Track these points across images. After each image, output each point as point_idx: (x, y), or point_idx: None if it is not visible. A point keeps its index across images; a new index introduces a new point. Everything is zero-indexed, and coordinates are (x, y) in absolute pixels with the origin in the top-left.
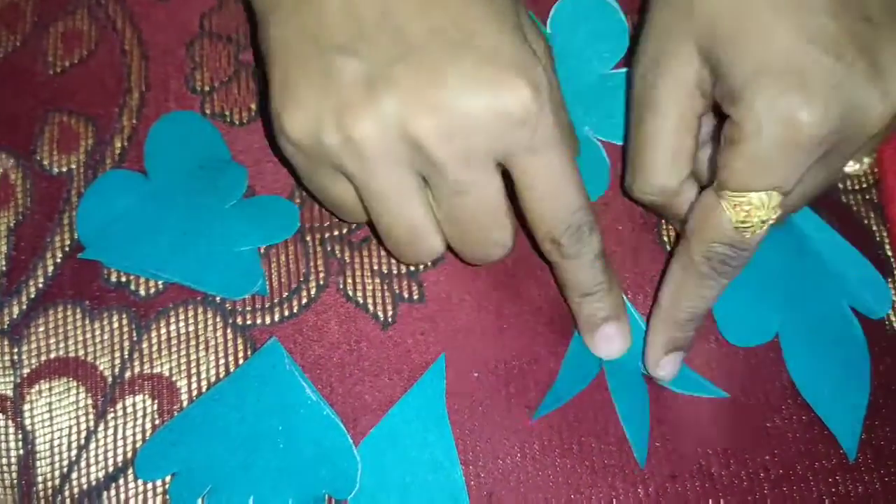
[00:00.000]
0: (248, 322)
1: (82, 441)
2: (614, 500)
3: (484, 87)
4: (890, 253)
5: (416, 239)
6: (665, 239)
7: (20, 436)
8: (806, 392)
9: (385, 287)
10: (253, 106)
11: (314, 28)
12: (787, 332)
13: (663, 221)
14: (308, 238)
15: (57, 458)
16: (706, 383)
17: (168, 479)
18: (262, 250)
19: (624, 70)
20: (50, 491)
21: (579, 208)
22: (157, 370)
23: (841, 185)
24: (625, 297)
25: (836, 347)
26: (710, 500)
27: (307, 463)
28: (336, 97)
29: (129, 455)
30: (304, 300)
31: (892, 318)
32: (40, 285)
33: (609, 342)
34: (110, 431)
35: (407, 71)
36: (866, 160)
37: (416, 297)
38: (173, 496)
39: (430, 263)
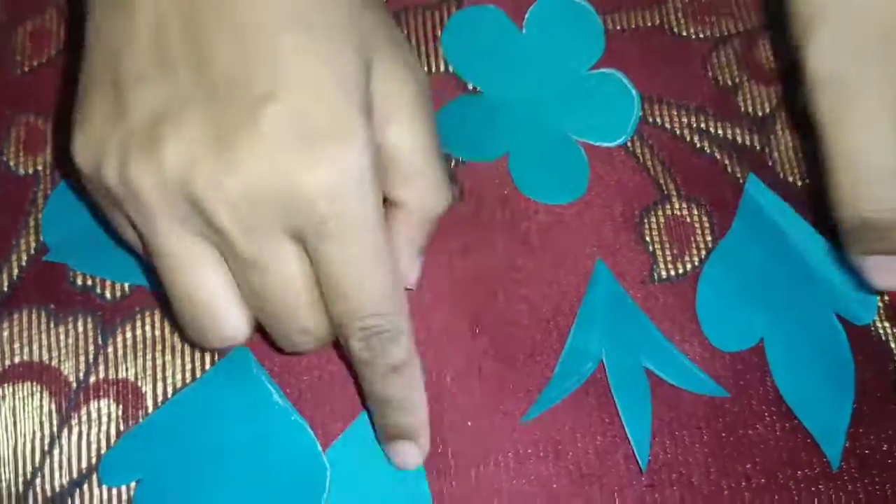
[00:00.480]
0: None
1: (46, 447)
2: None
3: (279, 154)
4: None
5: (205, 316)
6: (647, 239)
7: None
8: (790, 398)
9: None
10: None
11: (121, 41)
12: (771, 337)
13: (645, 221)
14: None
15: (20, 464)
16: (709, 381)
17: (133, 485)
18: None
19: (602, 71)
20: (13, 498)
21: (377, 312)
22: (122, 375)
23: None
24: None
25: (821, 353)
26: None
27: (275, 470)
28: (123, 130)
29: (94, 461)
30: None
31: (878, 325)
32: (5, 289)
33: (400, 457)
34: (74, 437)
35: (199, 116)
36: None
37: None
38: (138, 503)
39: None
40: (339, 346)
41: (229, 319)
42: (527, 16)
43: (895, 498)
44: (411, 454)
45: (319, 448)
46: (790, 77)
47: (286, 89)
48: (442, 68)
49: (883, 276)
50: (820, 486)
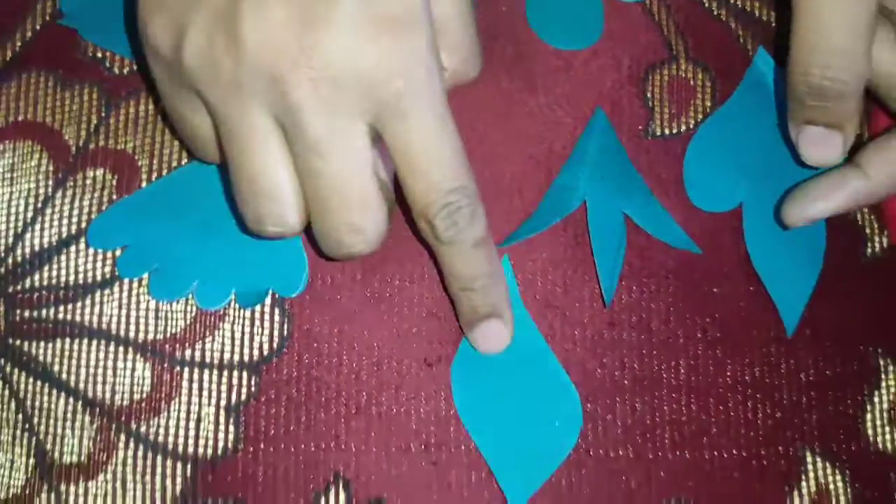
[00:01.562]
0: None
1: (39, 205)
2: (549, 337)
3: (358, 36)
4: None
5: (267, 199)
6: (648, 95)
7: None
8: (758, 263)
9: None
10: None
11: None
12: (751, 204)
13: (649, 77)
14: None
15: (13, 217)
16: (684, 235)
17: (119, 251)
18: None
19: None
20: (2, 247)
21: (456, 187)
22: (121, 147)
23: None
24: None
25: None
26: (644, 352)
27: (256, 256)
28: (203, 10)
29: (84, 224)
30: None
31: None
32: (17, 49)
33: (488, 340)
34: (67, 199)
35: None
36: None
37: None
38: (121, 268)
39: None
40: None
41: (289, 205)
42: None
43: (843, 371)
44: (500, 333)
45: (301, 243)
46: None
47: None
48: None
49: (815, 149)
50: (772, 349)
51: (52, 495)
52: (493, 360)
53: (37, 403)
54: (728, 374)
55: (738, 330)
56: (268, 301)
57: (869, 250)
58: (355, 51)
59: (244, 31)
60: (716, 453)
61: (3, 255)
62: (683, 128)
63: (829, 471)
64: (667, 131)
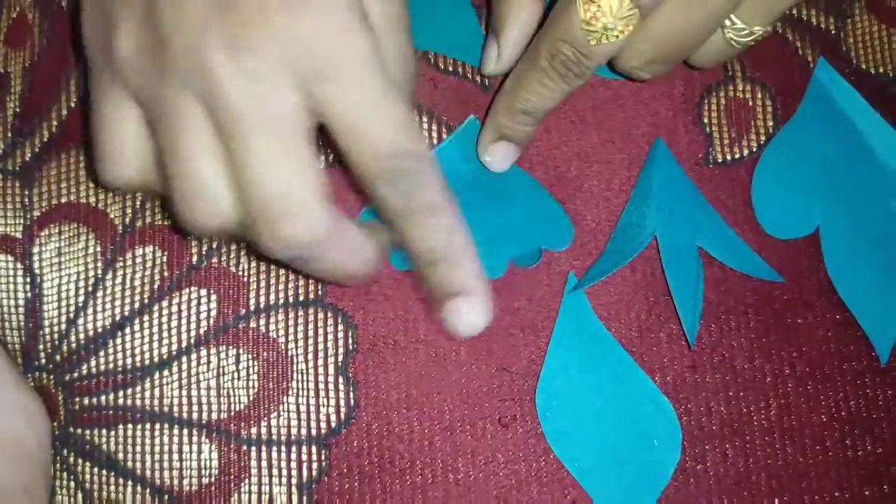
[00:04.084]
0: None
1: (90, 287)
2: None
3: (275, 6)
4: None
5: (193, 186)
6: (705, 121)
7: (28, 279)
8: (842, 290)
9: None
10: None
11: None
12: (828, 227)
13: (705, 101)
14: None
15: (64, 302)
16: (764, 264)
17: None
18: None
19: None
20: (56, 335)
21: (399, 151)
22: (168, 222)
23: None
24: None
25: (878, 246)
26: (730, 394)
27: (522, 222)
28: (130, 7)
29: (137, 305)
30: None
31: None
32: (53, 129)
33: (463, 318)
34: (118, 280)
35: None
36: (758, 29)
37: None
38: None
39: None
40: None
41: (218, 197)
42: None
43: None
44: (474, 312)
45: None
46: None
47: None
48: None
49: None
50: (866, 380)
51: None
52: (580, 383)
53: (104, 494)
54: (822, 410)
55: (828, 362)
56: (331, 370)
57: None
58: (276, 21)
59: (165, 18)
60: (817, 497)
61: (57, 342)
62: (746, 152)
63: None
64: (729, 157)
